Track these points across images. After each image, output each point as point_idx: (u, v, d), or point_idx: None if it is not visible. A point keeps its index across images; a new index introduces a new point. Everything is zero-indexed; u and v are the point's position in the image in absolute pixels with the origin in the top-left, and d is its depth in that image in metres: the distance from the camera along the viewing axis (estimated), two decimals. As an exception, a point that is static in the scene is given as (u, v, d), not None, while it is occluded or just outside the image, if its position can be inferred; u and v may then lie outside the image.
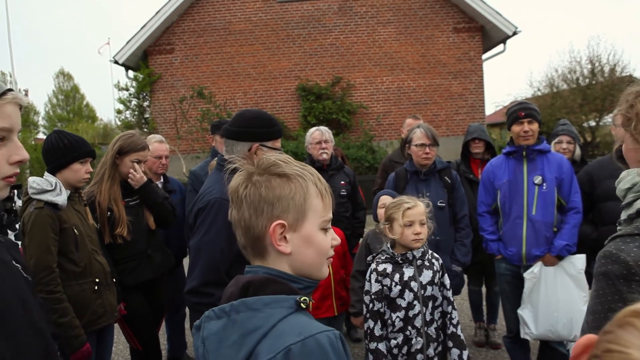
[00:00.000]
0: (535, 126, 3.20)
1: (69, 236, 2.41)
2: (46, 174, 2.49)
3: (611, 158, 3.32)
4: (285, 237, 1.00)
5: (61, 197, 2.39)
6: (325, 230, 1.05)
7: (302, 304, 0.94)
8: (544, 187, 3.15)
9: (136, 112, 12.95)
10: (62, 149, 2.46)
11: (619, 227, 1.33)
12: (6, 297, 1.11)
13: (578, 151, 3.94)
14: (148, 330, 3.04)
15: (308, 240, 1.02)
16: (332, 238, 1.06)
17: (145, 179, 2.99)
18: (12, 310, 1.12)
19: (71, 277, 2.41)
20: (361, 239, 3.38)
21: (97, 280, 2.50)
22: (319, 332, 0.89)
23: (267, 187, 1.00)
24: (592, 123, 16.67)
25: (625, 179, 1.34)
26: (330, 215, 1.07)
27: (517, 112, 3.22)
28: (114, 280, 2.68)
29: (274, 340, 0.88)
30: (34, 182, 2.38)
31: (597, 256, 1.22)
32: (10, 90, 1.14)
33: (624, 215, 1.31)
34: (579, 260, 3.10)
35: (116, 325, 2.99)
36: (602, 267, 1.17)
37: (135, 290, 2.97)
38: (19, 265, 1.23)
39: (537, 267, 3.10)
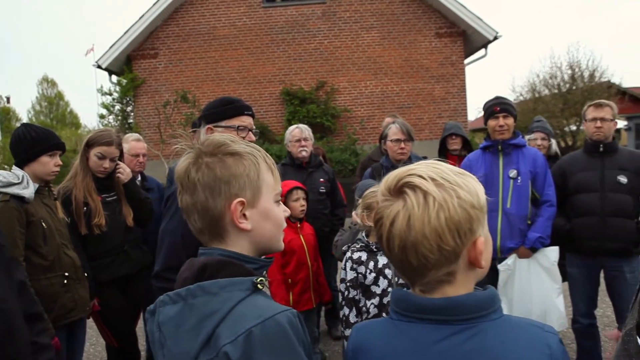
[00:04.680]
0: (510, 121, 3.25)
1: (36, 229, 2.39)
2: (14, 167, 2.47)
3: (583, 152, 3.40)
4: (244, 215, 1.00)
5: (28, 190, 2.37)
6: (277, 203, 1.07)
7: (258, 285, 0.94)
8: (519, 181, 3.20)
9: (119, 117, 12.85)
10: (29, 141, 2.44)
11: None
12: None
13: (553, 147, 4.02)
14: (124, 326, 3.01)
15: (266, 214, 1.03)
16: (284, 210, 1.09)
17: (131, 175, 3.09)
18: None
19: (39, 271, 2.38)
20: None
21: (66, 274, 2.47)
22: (278, 313, 0.89)
23: (222, 167, 0.99)
24: (573, 127, 16.96)
25: None
26: (280, 189, 1.09)
27: (493, 106, 3.28)
28: (86, 275, 2.66)
29: (234, 324, 0.88)
30: (0, 175, 2.36)
31: None
32: None
33: None
34: (552, 253, 3.15)
35: (95, 326, 2.96)
36: None
37: (111, 286, 2.95)
38: None
39: (511, 259, 3.14)
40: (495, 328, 0.89)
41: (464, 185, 0.89)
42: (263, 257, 1.07)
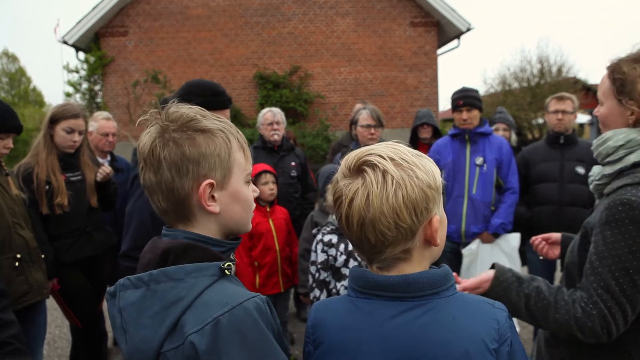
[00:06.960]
0: (473, 114, 3.32)
1: None
2: None
3: (544, 143, 3.53)
4: (213, 196, 0.95)
5: None
6: (247, 183, 1.02)
7: (226, 271, 0.91)
8: (484, 168, 3.29)
9: (87, 96, 12.46)
10: None
11: (597, 182, 1.41)
12: None
13: (514, 137, 4.17)
14: (87, 307, 2.97)
15: (236, 196, 0.98)
16: (253, 190, 1.04)
17: (110, 176, 3.05)
18: None
19: None
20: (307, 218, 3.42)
21: (18, 256, 2.31)
22: (246, 300, 0.87)
23: (190, 145, 0.92)
24: (540, 120, 17.43)
25: (616, 137, 1.37)
26: (251, 168, 1.04)
27: (457, 100, 3.35)
28: (43, 256, 2.52)
29: (200, 311, 0.85)
30: None
31: (609, 204, 1.27)
32: None
33: (609, 170, 1.38)
34: (514, 239, 3.27)
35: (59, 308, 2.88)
36: (622, 213, 1.24)
37: (74, 267, 2.90)
38: None
39: (474, 244, 3.24)
40: (448, 304, 0.93)
41: (421, 166, 0.92)
42: (231, 238, 1.03)
